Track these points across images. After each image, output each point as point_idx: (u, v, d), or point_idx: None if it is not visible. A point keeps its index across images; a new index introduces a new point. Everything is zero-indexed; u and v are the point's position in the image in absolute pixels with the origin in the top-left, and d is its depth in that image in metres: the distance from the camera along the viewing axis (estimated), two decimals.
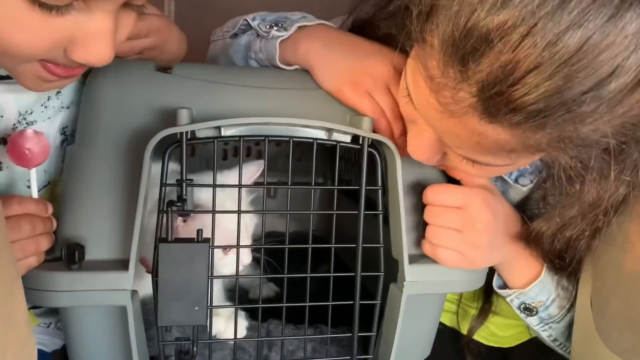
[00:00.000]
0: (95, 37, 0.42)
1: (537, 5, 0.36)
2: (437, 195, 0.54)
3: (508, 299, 0.63)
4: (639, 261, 0.50)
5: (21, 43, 0.40)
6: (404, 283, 0.55)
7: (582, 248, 0.56)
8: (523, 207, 0.63)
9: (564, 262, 0.58)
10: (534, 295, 0.61)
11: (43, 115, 0.55)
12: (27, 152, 0.48)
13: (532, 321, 0.64)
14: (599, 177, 0.50)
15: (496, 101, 0.40)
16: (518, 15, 0.37)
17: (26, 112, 0.54)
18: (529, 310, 0.63)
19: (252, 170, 0.57)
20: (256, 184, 0.58)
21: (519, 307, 0.63)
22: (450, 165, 0.53)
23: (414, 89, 0.48)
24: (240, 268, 0.55)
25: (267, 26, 0.63)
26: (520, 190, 0.62)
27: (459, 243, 0.55)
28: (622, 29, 0.36)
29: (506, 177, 0.62)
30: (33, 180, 0.50)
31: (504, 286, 0.64)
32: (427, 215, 0.55)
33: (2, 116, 0.52)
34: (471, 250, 0.55)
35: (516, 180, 0.62)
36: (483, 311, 0.71)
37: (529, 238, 0.58)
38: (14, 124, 0.53)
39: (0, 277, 0.31)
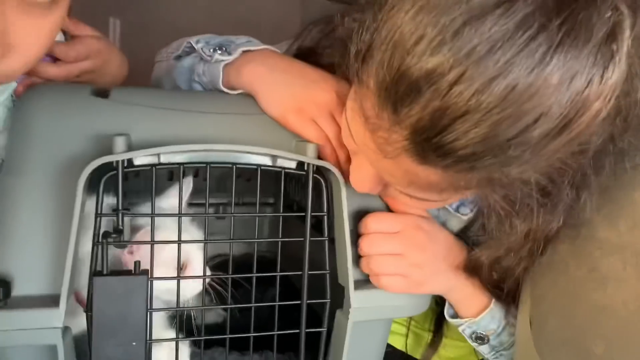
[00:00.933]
0: None
1: (465, 53, 0.37)
2: (378, 222, 0.55)
3: (460, 329, 0.63)
4: (573, 281, 0.52)
5: None
6: (350, 310, 0.54)
7: (520, 275, 0.58)
8: (465, 234, 0.64)
9: (502, 292, 0.60)
10: (485, 324, 0.62)
11: None
12: None
13: (484, 349, 0.64)
14: (528, 214, 0.52)
15: (427, 145, 0.41)
16: (447, 63, 0.38)
17: None
18: (480, 339, 0.63)
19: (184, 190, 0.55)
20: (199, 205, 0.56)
21: (470, 336, 0.63)
22: (391, 196, 0.54)
23: (353, 125, 0.49)
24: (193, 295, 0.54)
25: (211, 49, 0.62)
26: (460, 220, 0.64)
27: (402, 266, 0.55)
28: (545, 79, 0.38)
29: (447, 207, 0.64)
30: None
31: (456, 315, 0.64)
32: (366, 244, 0.55)
33: None
34: (415, 271, 0.56)
35: (457, 210, 0.64)
36: (435, 339, 0.71)
37: (468, 267, 0.59)
38: None
39: None
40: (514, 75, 0.37)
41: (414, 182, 0.46)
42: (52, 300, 0.47)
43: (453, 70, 0.38)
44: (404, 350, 0.78)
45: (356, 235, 0.56)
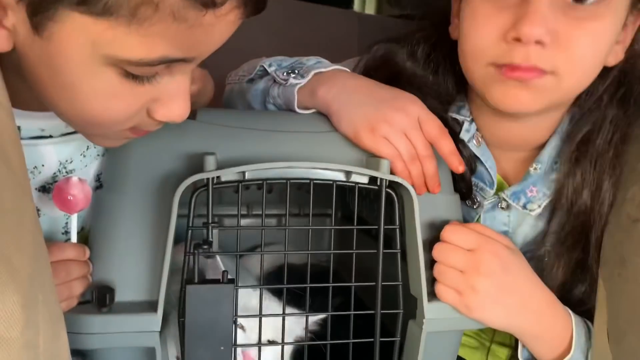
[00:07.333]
0: (175, 96, 0.46)
1: None
2: (452, 234, 0.56)
3: None
4: None
5: (114, 112, 0.44)
6: (424, 320, 0.56)
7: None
8: (539, 247, 0.65)
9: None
10: None
11: (81, 164, 0.58)
12: (71, 198, 0.50)
13: None
14: None
15: None
16: None
17: (66, 161, 0.57)
18: None
19: None
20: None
21: None
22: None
23: None
24: None
25: (284, 73, 0.66)
26: (530, 219, 0.64)
27: (459, 283, 0.55)
28: None
29: (514, 204, 0.65)
30: (73, 225, 0.52)
31: (531, 357, 0.61)
32: (436, 252, 0.56)
33: (43, 165, 0.55)
34: (469, 294, 0.55)
35: (524, 207, 0.65)
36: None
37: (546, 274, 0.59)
38: (55, 173, 0.56)
39: (48, 318, 0.32)
40: None
41: None
42: (150, 306, 0.51)
43: None
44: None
45: (428, 247, 0.58)
